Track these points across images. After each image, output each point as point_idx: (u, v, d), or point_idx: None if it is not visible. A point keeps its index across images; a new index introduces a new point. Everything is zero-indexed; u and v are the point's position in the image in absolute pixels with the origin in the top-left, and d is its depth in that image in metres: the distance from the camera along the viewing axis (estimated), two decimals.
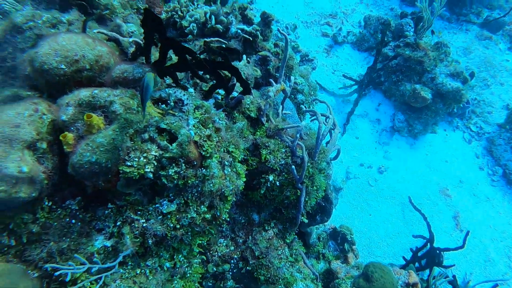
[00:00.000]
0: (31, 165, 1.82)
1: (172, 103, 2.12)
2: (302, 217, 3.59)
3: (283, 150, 3.24)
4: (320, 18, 8.28)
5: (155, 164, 2.08)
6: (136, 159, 1.98)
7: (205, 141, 2.28)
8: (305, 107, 5.46)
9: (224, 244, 3.23)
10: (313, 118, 4.89)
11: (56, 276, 2.08)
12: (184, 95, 2.27)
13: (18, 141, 1.82)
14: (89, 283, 2.13)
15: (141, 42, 2.64)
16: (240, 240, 3.30)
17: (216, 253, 3.11)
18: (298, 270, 3.70)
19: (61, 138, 1.88)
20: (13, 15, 3.34)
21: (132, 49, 2.80)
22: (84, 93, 1.96)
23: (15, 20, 3.23)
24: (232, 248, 3.22)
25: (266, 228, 3.44)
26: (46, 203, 2.02)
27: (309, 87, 5.46)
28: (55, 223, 2.05)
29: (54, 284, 2.09)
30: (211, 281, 3.23)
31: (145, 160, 2.01)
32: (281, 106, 3.74)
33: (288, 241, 3.61)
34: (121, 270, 2.18)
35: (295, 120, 4.68)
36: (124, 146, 1.93)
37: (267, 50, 4.50)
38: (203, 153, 2.26)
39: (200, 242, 2.74)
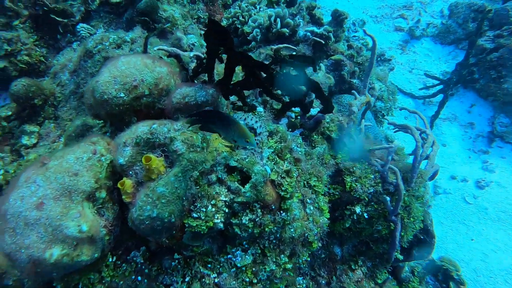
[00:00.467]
0: (91, 222, 1.56)
1: None
2: (396, 253, 2.97)
3: (372, 176, 2.68)
4: (392, 11, 7.41)
5: (226, 211, 1.71)
6: (204, 209, 1.62)
7: (284, 178, 1.86)
8: (382, 115, 4.78)
9: (304, 284, 2.76)
10: (396, 130, 4.18)
11: None
12: (256, 122, 1.87)
13: (77, 192, 1.58)
14: None
15: (203, 56, 2.32)
16: (323, 281, 2.80)
17: None
18: None
19: (119, 186, 1.60)
20: (86, 41, 3.31)
21: (193, 65, 2.51)
22: (142, 129, 1.67)
23: (87, 46, 3.18)
24: None
25: (353, 267, 2.89)
26: (110, 259, 1.76)
27: (387, 91, 4.77)
28: (121, 282, 1.78)
29: None
30: None
31: (214, 209, 1.64)
32: (362, 120, 3.17)
33: (379, 281, 3.02)
34: None
35: (376, 132, 4.05)
36: (189, 194, 1.59)
37: (340, 53, 3.95)
38: (282, 193, 1.83)
39: None
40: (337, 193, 2.64)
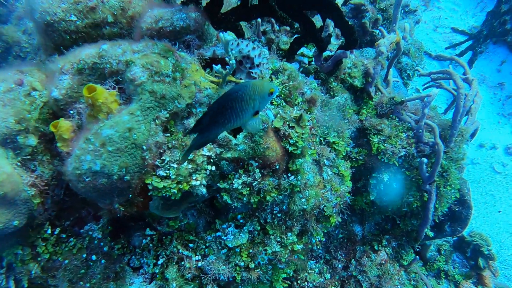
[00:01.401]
0: (5, 176, 1.06)
1: (234, 64, 1.18)
2: (426, 230, 2.46)
3: (404, 135, 2.13)
4: None
5: (210, 170, 1.19)
6: (175, 165, 1.10)
7: (293, 127, 1.32)
8: (408, 75, 4.14)
9: (317, 269, 2.28)
10: (426, 86, 3.57)
11: None
12: (253, 48, 1.31)
13: None
14: None
15: None
16: (339, 265, 2.32)
17: (306, 283, 2.18)
18: None
19: (51, 128, 1.09)
20: None
21: None
22: (87, 51, 1.13)
23: None
24: (328, 276, 2.26)
25: (376, 247, 2.40)
26: (49, 231, 1.27)
27: (414, 46, 4.12)
28: (66, 261, 1.31)
29: None
30: None
31: (190, 167, 1.12)
32: (388, 70, 2.58)
33: (405, 262, 2.53)
34: None
35: (403, 92, 3.45)
36: (152, 142, 1.07)
37: None
38: (291, 148, 1.30)
39: (285, 275, 1.83)
40: (360, 157, 2.10)
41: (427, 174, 2.12)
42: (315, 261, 2.30)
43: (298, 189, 1.37)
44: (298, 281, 2.17)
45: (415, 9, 4.92)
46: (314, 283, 2.19)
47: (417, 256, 2.58)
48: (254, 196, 1.28)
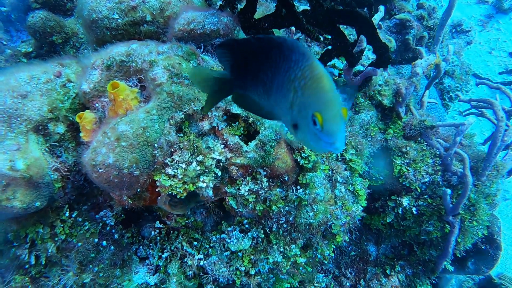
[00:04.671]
0: (33, 160, 1.16)
1: None
2: (446, 263, 2.33)
3: (430, 161, 2.04)
4: None
5: (218, 174, 1.22)
6: (183, 165, 1.14)
7: None
8: (450, 97, 3.95)
9: (324, 284, 2.24)
10: (467, 113, 3.42)
11: None
12: None
13: (21, 119, 1.18)
14: None
15: None
16: (348, 283, 2.27)
17: None
18: None
19: (77, 119, 1.17)
20: None
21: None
22: (118, 49, 1.21)
23: None
24: None
25: (388, 272, 2.31)
26: (67, 213, 1.36)
27: (461, 68, 3.92)
28: (80, 244, 1.39)
29: None
30: None
31: (199, 168, 1.16)
32: (426, 92, 2.48)
33: None
34: None
35: (440, 114, 3.29)
36: (164, 141, 1.11)
37: (408, 12, 3.20)
38: (302, 162, 1.30)
39: (289, 285, 1.82)
40: (380, 177, 2.04)
41: (451, 205, 2.01)
42: (323, 274, 2.26)
43: (306, 202, 1.36)
44: None
45: (468, 30, 4.69)
46: None
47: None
48: (259, 204, 1.29)
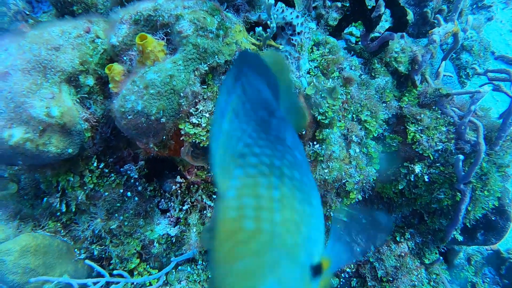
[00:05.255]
0: (66, 108, 1.23)
1: (274, 28, 1.24)
2: (455, 232, 2.38)
3: (444, 129, 2.05)
4: None
5: None
6: (207, 115, 1.20)
7: (325, 97, 1.36)
8: (467, 74, 3.89)
9: None
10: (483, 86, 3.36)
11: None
12: (297, 17, 1.36)
13: (55, 70, 1.25)
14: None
15: None
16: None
17: None
18: None
19: (106, 71, 1.23)
20: None
21: None
22: (145, 5, 1.25)
23: None
24: None
25: (398, 239, 2.37)
26: (95, 163, 1.44)
27: (480, 44, 3.84)
28: (106, 193, 1.48)
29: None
30: None
31: None
32: (442, 63, 2.47)
33: (427, 261, 2.48)
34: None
35: (456, 88, 3.27)
36: (189, 91, 1.17)
37: None
38: (319, 117, 1.34)
39: None
40: (394, 144, 2.08)
41: (463, 173, 2.04)
42: None
43: (322, 158, 1.41)
44: None
45: (490, 5, 4.55)
46: None
47: (441, 258, 2.51)
48: None
